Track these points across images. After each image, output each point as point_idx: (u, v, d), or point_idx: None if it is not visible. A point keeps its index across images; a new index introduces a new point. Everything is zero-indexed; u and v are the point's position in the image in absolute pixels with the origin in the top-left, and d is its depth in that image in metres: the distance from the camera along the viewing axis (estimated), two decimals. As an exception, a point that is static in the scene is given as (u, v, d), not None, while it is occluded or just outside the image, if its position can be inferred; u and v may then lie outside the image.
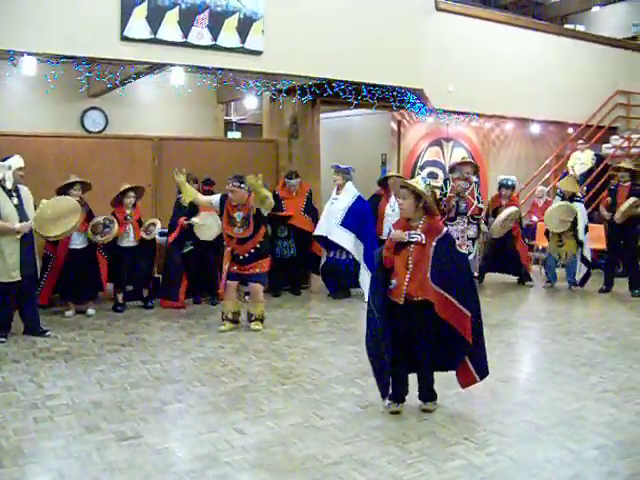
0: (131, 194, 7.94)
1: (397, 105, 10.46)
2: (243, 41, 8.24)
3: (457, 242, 8.64)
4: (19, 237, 6.41)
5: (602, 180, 11.98)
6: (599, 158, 12.53)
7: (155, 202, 9.40)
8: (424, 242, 4.58)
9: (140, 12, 7.56)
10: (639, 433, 4.46)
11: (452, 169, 9.60)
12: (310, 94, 9.66)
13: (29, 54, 7.51)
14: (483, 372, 4.78)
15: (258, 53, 8.37)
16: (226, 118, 14.34)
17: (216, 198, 7.20)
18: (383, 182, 9.24)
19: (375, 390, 4.77)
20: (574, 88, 12.21)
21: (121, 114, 11.80)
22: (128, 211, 7.90)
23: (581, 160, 12.31)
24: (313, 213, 9.10)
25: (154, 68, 9.10)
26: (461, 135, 12.77)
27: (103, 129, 11.89)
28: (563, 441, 4.30)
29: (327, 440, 4.27)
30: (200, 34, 7.96)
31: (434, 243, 4.57)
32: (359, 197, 8.77)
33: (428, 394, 4.80)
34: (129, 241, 7.92)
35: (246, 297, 7.72)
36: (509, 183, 9.98)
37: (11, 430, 4.36)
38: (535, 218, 11.53)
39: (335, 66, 8.99)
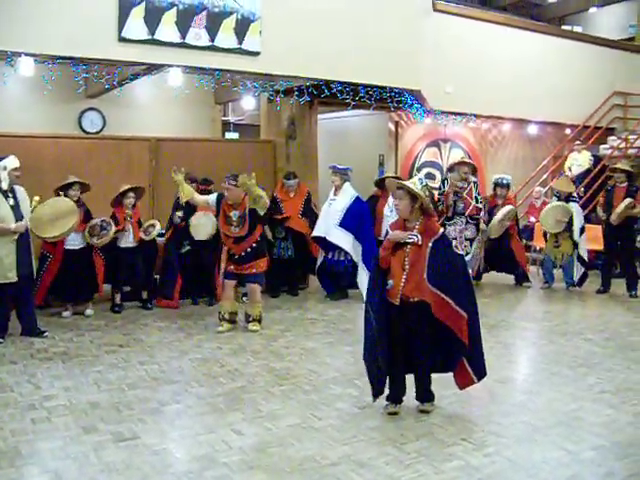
0: (131, 195, 7.93)
1: (395, 106, 10.46)
2: (240, 42, 8.24)
3: (455, 242, 8.71)
4: (15, 238, 6.40)
5: (599, 181, 11.99)
6: (597, 159, 12.54)
7: (153, 203, 9.39)
8: (420, 243, 4.58)
9: (137, 13, 7.56)
10: (636, 434, 4.46)
11: (450, 169, 9.61)
12: (308, 95, 9.66)
13: (26, 55, 7.50)
14: (481, 373, 4.78)
15: (255, 54, 8.37)
16: (224, 119, 14.33)
17: (212, 197, 7.23)
18: (380, 183, 9.24)
19: (373, 391, 4.78)
20: (571, 89, 12.23)
21: (119, 115, 11.79)
22: (128, 212, 7.90)
23: (578, 161, 12.32)
24: (311, 215, 9.08)
25: (152, 69, 9.10)
26: (459, 136, 12.79)
27: (101, 130, 11.88)
28: (560, 442, 4.30)
29: (325, 441, 4.27)
30: (198, 35, 7.95)
31: (430, 244, 4.58)
32: (357, 198, 8.77)
33: (425, 395, 4.81)
34: (128, 242, 7.92)
35: (244, 298, 7.72)
36: (504, 182, 10.00)
37: (8, 431, 4.36)
38: (533, 219, 11.55)
39: (333, 67, 8.99)
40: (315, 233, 8.80)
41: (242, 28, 8.22)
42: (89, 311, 7.74)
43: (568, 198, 9.57)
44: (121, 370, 5.73)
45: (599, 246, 10.05)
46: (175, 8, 7.76)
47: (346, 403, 4.97)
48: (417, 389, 4.82)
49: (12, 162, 6.51)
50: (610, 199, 9.39)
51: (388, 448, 4.17)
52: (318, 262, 8.99)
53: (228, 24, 8.13)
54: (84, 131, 11.71)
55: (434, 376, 4.83)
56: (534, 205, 11.84)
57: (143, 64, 8.46)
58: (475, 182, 9.23)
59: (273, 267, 8.34)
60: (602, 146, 13.02)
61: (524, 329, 7.59)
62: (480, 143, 13.05)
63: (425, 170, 12.31)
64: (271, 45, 8.41)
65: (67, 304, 7.71)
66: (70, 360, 6.00)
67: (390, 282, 4.63)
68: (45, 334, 6.76)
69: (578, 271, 9.60)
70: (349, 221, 8.57)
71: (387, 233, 4.82)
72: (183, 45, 7.87)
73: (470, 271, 8.70)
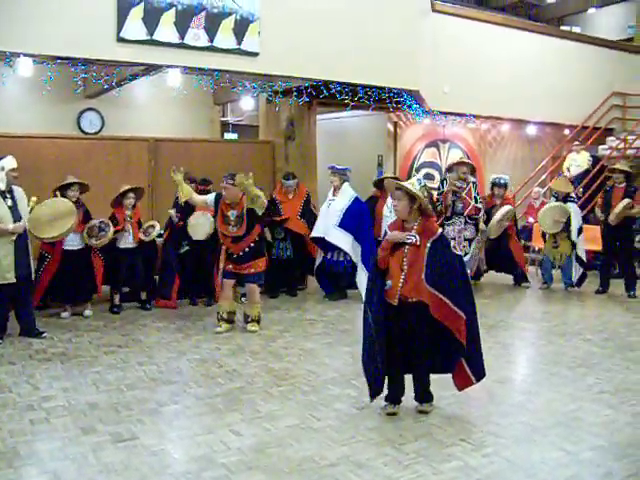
0: (131, 195, 7.93)
1: (393, 106, 10.47)
2: (239, 42, 8.25)
3: (453, 242, 8.71)
4: (14, 239, 6.39)
5: (598, 181, 11.99)
6: (595, 159, 12.55)
7: (151, 203, 9.40)
8: (419, 243, 4.58)
9: (136, 13, 7.57)
10: (635, 434, 4.46)
11: (449, 169, 9.61)
12: (306, 95, 9.66)
13: (25, 55, 7.50)
14: (479, 374, 4.77)
15: (254, 54, 8.37)
16: (222, 119, 14.33)
17: (210, 197, 7.24)
18: (379, 183, 9.24)
19: (372, 392, 4.78)
20: (570, 89, 12.24)
21: (117, 115, 11.80)
22: (128, 212, 7.90)
23: (577, 162, 12.33)
24: (309, 217, 9.07)
25: (150, 69, 9.10)
26: (457, 136, 12.79)
27: (99, 130, 11.89)
28: (559, 442, 4.30)
29: (323, 441, 4.27)
30: (196, 35, 7.96)
31: (429, 244, 4.58)
32: (356, 198, 8.76)
33: (424, 395, 4.81)
34: (128, 242, 7.91)
35: (242, 299, 7.72)
36: (501, 182, 10.00)
37: (7, 432, 4.35)
38: (531, 219, 11.56)
39: (331, 67, 9.00)
40: (314, 234, 8.80)
41: (241, 29, 8.23)
42: (88, 312, 7.73)
43: (566, 198, 9.58)
44: (120, 371, 5.73)
45: (598, 246, 10.05)
46: (174, 9, 7.77)
47: (345, 404, 4.97)
48: (416, 390, 4.82)
49: (9, 162, 6.50)
50: (609, 199, 9.39)
51: (387, 449, 4.17)
52: (317, 263, 8.99)
53: (227, 25, 8.14)
54: (83, 131, 11.71)
55: (433, 377, 4.83)
56: (533, 205, 11.85)
57: (142, 64, 8.47)
58: (474, 182, 9.23)
59: (272, 268, 8.34)
60: (601, 147, 13.03)
61: (523, 329, 7.59)
62: (479, 143, 13.06)
63: (424, 170, 12.32)
64: (270, 46, 8.42)
65: (66, 305, 7.71)
66: (69, 361, 6.00)
67: (388, 282, 4.63)
68: (44, 335, 6.75)
69: (577, 272, 9.61)
70: (348, 221, 8.57)
71: (386, 233, 4.81)
72: (182, 45, 7.88)
73: (468, 271, 8.72)
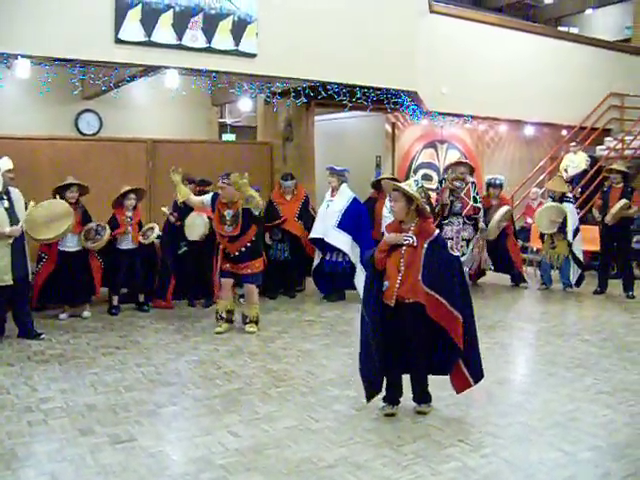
0: (132, 196, 7.92)
1: (391, 107, 10.47)
2: (237, 44, 8.25)
3: (451, 243, 8.70)
4: (10, 242, 6.37)
5: (596, 182, 12.01)
6: (593, 160, 12.56)
7: (150, 204, 9.39)
8: (416, 244, 4.58)
9: (134, 15, 7.57)
10: (633, 434, 4.47)
11: (448, 169, 9.61)
12: (304, 96, 9.67)
13: (23, 56, 7.49)
14: (477, 376, 4.77)
15: (252, 56, 8.38)
16: (220, 120, 14.34)
17: (207, 197, 7.27)
18: (377, 184, 9.24)
19: (370, 393, 4.77)
20: (568, 90, 12.26)
21: (115, 116, 11.79)
22: (128, 213, 7.89)
23: (574, 163, 12.35)
24: (307, 219, 9.05)
25: (148, 71, 9.09)
26: (455, 137, 12.80)
27: (97, 132, 11.89)
28: (557, 443, 4.30)
29: (322, 443, 4.27)
30: (194, 37, 7.96)
31: (426, 245, 4.58)
32: (355, 199, 8.76)
33: (422, 396, 4.81)
34: (128, 244, 7.91)
35: (241, 300, 7.72)
36: (497, 182, 10.01)
37: (5, 434, 4.35)
38: (530, 220, 11.57)
39: (329, 68, 9.00)
40: (313, 235, 8.79)
41: (239, 30, 8.23)
42: (86, 313, 7.73)
43: (562, 198, 9.58)
44: (118, 372, 5.72)
45: (595, 247, 10.06)
46: (171, 10, 7.77)
47: (343, 405, 4.97)
48: (414, 390, 4.82)
49: (5, 163, 6.50)
50: (606, 200, 9.39)
51: (385, 450, 4.17)
52: (315, 264, 8.98)
53: (225, 26, 8.15)
54: (81, 133, 11.71)
55: (431, 378, 4.83)
56: (531, 206, 11.87)
57: (140, 66, 8.47)
58: (473, 182, 9.21)
59: (270, 269, 8.35)
60: (599, 147, 13.05)
61: (521, 330, 7.59)
62: (477, 144, 13.07)
63: (422, 171, 12.33)
64: (268, 47, 8.42)
65: (64, 306, 7.70)
66: (67, 362, 5.99)
67: (385, 283, 4.63)
68: (42, 336, 6.75)
69: (575, 272, 9.61)
70: (347, 222, 8.57)
71: (383, 234, 4.82)
72: (180, 47, 7.88)
73: (467, 270, 8.73)
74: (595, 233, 10.03)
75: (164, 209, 8.21)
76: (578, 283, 9.66)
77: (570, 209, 9.54)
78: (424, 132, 12.48)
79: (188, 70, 8.71)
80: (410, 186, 4.63)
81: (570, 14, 19.56)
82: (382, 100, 10.16)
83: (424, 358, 4.70)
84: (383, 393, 4.78)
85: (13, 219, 6.43)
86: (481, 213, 9.23)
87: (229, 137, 14.50)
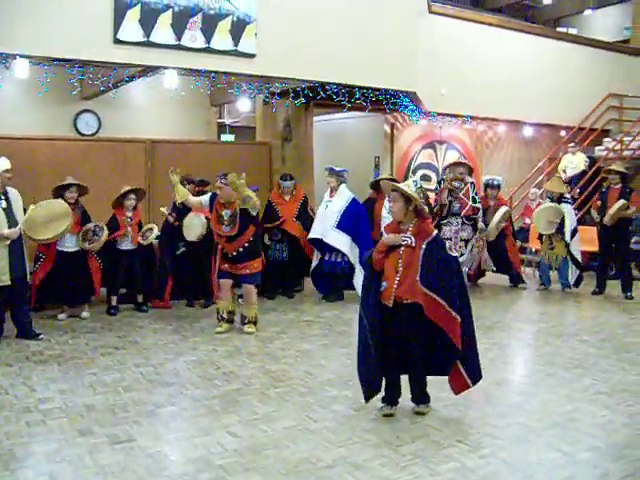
0: (132, 196, 7.92)
1: (390, 108, 10.48)
2: (236, 44, 8.25)
3: (449, 243, 8.70)
4: (8, 243, 6.36)
5: (595, 183, 12.02)
6: (592, 161, 12.57)
7: (149, 205, 9.38)
8: (414, 245, 4.58)
9: (133, 15, 7.57)
10: (632, 435, 4.47)
11: (447, 170, 9.60)
12: (303, 97, 9.66)
13: (22, 56, 7.49)
14: (476, 377, 4.77)
15: (251, 56, 8.38)
16: (219, 121, 14.35)
17: (206, 197, 7.28)
18: (376, 185, 9.24)
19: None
20: (567, 91, 12.27)
21: (114, 117, 11.79)
22: (128, 213, 7.89)
23: (573, 163, 12.36)
24: (306, 219, 9.06)
25: (147, 71, 9.09)
26: (454, 137, 12.81)
27: (96, 132, 11.88)
28: (556, 443, 4.30)
29: (320, 443, 4.27)
30: (193, 37, 7.96)
31: (424, 246, 4.58)
32: (354, 199, 8.76)
33: (421, 397, 4.81)
34: (127, 244, 7.91)
35: (239, 300, 7.72)
36: (494, 183, 10.02)
37: (3, 434, 4.34)
38: (528, 220, 11.56)
39: (328, 69, 9.00)
40: (312, 235, 8.79)
41: (238, 30, 8.23)
42: (85, 313, 7.72)
43: (560, 199, 9.58)
44: (116, 372, 5.72)
45: (594, 248, 10.06)
46: (170, 10, 7.76)
47: (342, 405, 4.97)
48: (412, 391, 4.82)
49: (3, 164, 6.48)
50: (604, 201, 9.39)
51: (384, 450, 4.17)
52: (313, 264, 8.98)
53: (224, 26, 8.14)
54: (79, 133, 11.71)
55: (429, 378, 4.83)
56: (530, 207, 11.86)
57: (139, 66, 8.46)
58: (472, 182, 9.21)
59: (268, 269, 8.35)
60: (597, 148, 13.06)
61: (520, 330, 7.59)
62: (476, 145, 13.07)
63: (421, 172, 12.33)
64: (267, 47, 8.42)
65: (63, 307, 7.69)
66: (65, 363, 5.99)
67: (383, 284, 4.63)
68: (40, 337, 6.74)
69: (573, 273, 9.62)
70: (346, 223, 8.57)
71: (381, 234, 4.82)
72: (179, 47, 7.88)
73: (466, 270, 8.74)
74: (593, 234, 10.03)
75: (163, 209, 8.21)
76: (577, 284, 9.67)
77: (568, 210, 9.54)
78: (423, 132, 12.48)
79: (187, 70, 8.71)
80: (409, 186, 4.64)
81: (569, 15, 19.59)
82: (381, 100, 10.17)
83: (422, 359, 4.70)
84: (382, 393, 4.78)
85: (11, 219, 6.43)
86: (480, 213, 9.23)
87: (228, 137, 14.51)
